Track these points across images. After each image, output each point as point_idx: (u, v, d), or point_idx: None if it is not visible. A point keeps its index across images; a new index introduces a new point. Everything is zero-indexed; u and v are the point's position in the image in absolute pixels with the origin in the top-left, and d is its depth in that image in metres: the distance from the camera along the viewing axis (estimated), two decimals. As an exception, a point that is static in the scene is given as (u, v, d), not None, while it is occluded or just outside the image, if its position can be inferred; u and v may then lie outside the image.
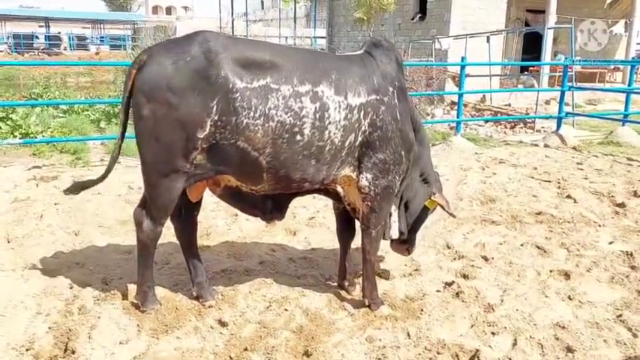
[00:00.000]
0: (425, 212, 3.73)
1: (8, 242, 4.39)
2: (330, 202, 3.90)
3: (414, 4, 17.49)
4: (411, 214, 3.66)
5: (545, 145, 9.37)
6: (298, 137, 2.90)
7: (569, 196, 6.22)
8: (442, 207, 3.72)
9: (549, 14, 16.01)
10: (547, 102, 14.56)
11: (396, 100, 3.20)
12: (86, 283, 3.63)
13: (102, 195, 5.59)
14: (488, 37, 12.99)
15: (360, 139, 3.10)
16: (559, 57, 17.88)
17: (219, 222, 5.01)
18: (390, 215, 3.52)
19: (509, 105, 13.53)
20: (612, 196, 6.25)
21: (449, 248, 4.66)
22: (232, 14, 32.35)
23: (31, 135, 8.06)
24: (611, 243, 4.87)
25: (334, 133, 2.98)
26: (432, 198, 3.66)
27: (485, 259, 4.42)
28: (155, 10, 63.28)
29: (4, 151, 7.43)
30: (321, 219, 5.17)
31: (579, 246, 4.75)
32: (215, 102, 2.76)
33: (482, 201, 6.02)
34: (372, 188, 3.20)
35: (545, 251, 4.63)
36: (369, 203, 3.25)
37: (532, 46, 18.47)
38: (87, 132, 8.92)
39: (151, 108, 2.77)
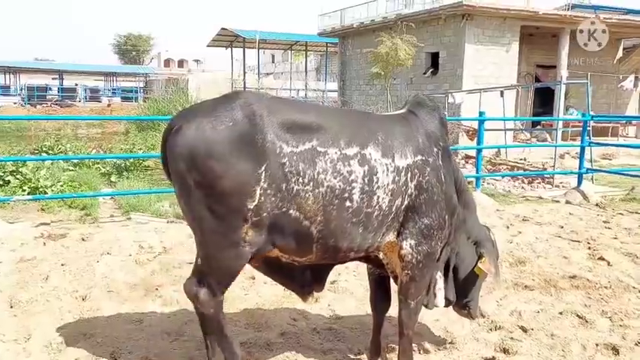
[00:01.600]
0: (475, 276, 3.47)
1: (11, 307, 4.11)
2: (351, 263, 3.62)
3: (427, 59, 17.68)
4: (461, 279, 3.44)
5: (567, 202, 9.08)
6: (348, 203, 2.72)
7: (601, 258, 5.90)
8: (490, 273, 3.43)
9: (561, 69, 16.09)
10: (561, 156, 14.40)
11: (440, 161, 3.05)
12: (94, 359, 3.31)
13: (111, 255, 5.33)
14: (502, 92, 12.95)
15: (406, 202, 2.92)
16: (571, 111, 17.87)
17: (236, 287, 4.70)
18: (436, 283, 3.27)
19: (525, 159, 13.34)
20: (647, 259, 5.93)
21: (483, 317, 4.33)
22: (244, 67, 32.94)
23: (41, 189, 7.88)
24: (654, 312, 4.52)
25: (382, 198, 2.81)
26: (479, 264, 3.39)
27: (524, 330, 4.09)
28: (167, 63, 64.74)
29: (12, 206, 7.23)
30: (343, 283, 4.86)
31: (622, 315, 4.41)
32: (263, 168, 2.54)
33: (511, 262, 5.71)
34: (415, 255, 2.99)
35: (586, 321, 4.29)
36: (410, 272, 3.03)
37: (543, 100, 18.51)
38: (97, 186, 8.75)
39: (194, 177, 2.54)
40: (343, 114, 3.10)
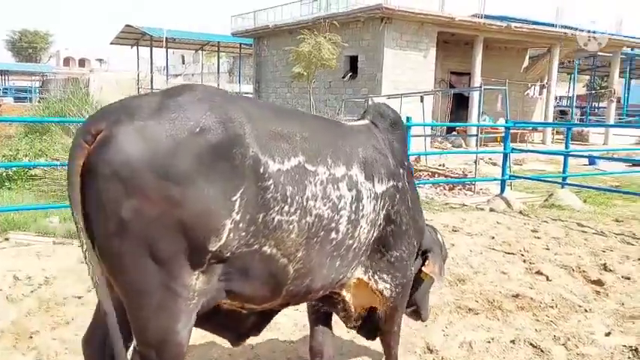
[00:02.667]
0: (422, 281, 3.23)
1: None
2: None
3: (345, 63, 17.28)
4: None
5: (492, 210, 8.93)
6: (333, 235, 2.22)
7: (539, 272, 5.64)
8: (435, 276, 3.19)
9: (475, 76, 16.32)
10: (476, 162, 14.54)
11: (407, 185, 2.67)
12: None
13: (-25, 291, 4.24)
14: (422, 97, 12.77)
15: (375, 234, 2.50)
16: (484, 118, 18.24)
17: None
18: None
19: (443, 165, 13.27)
20: (584, 271, 5.72)
21: (431, 352, 3.82)
22: (152, 68, 31.19)
23: None
24: (608, 334, 4.21)
25: (363, 229, 2.37)
26: (424, 268, 3.12)
27: (480, 367, 3.58)
28: (67, 61, 60.46)
29: None
30: (268, 316, 4.12)
31: (576, 341, 4.05)
32: (239, 194, 1.86)
33: (450, 281, 5.26)
34: (394, 289, 2.71)
35: (542, 350, 3.89)
36: (392, 304, 2.78)
37: (457, 106, 18.79)
38: (-30, 199, 7.38)
39: (135, 205, 1.73)
40: (314, 120, 2.51)
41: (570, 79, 34.30)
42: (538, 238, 7.14)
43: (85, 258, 1.81)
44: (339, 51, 11.88)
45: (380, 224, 2.48)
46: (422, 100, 12.72)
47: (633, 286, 5.37)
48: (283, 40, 19.01)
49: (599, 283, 5.39)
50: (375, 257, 2.56)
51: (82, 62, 61.42)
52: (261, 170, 1.91)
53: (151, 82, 28.11)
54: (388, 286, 2.66)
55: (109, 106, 1.94)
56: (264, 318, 2.48)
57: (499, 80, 16.24)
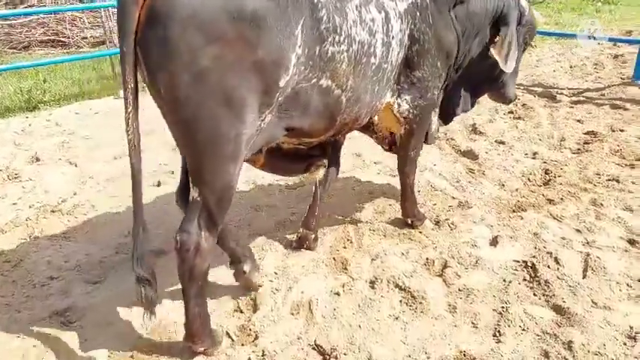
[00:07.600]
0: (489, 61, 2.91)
1: None
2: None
3: None
4: (485, 77, 3.11)
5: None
6: (372, 60, 2.27)
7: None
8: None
9: None
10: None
11: (428, 2, 2.48)
12: None
13: None
14: None
15: (401, 55, 2.47)
16: None
17: None
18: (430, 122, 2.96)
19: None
20: (452, 139, 4.78)
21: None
22: None
23: None
24: (494, 243, 3.14)
25: (394, 50, 2.38)
26: (491, 48, 2.84)
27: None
28: None
29: None
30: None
31: (455, 263, 3.05)
32: (300, 28, 1.88)
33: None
34: (412, 111, 2.70)
35: (412, 296, 2.79)
36: (408, 126, 2.79)
37: None
38: None
39: (214, 52, 1.68)
40: None
41: None
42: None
43: (129, 119, 1.79)
44: None
45: (405, 44, 2.46)
46: None
47: (509, 154, 4.36)
48: None
49: (471, 155, 4.31)
50: (401, 79, 2.57)
51: None
52: (316, 1, 1.94)
53: None
54: (407, 106, 2.68)
55: None
56: (321, 150, 2.69)
57: None
